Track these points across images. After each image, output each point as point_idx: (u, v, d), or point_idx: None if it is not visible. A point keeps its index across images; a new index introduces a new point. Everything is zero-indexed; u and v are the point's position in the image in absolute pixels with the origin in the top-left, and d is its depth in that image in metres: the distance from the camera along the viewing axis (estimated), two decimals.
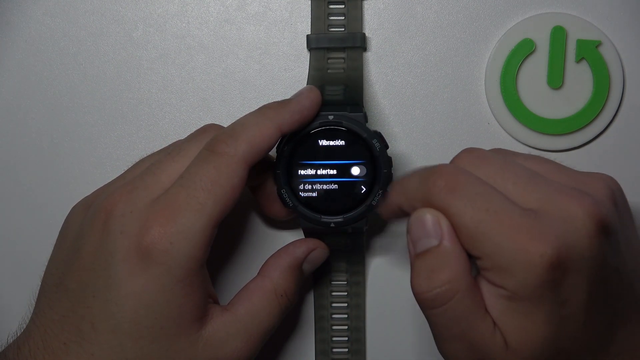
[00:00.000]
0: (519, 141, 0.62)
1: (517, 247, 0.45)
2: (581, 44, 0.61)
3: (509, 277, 0.46)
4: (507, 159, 0.50)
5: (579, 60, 0.61)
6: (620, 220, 0.49)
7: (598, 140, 0.62)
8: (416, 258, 0.48)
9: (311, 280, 0.61)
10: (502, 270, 0.46)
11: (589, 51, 0.61)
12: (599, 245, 0.46)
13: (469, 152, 0.50)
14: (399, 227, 0.62)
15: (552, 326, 0.46)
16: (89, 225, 0.52)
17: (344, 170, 0.56)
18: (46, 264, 0.55)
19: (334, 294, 0.61)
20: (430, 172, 0.48)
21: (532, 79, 0.61)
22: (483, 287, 0.47)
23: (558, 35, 0.61)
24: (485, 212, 0.46)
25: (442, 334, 0.49)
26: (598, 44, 0.61)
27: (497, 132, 0.62)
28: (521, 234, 0.45)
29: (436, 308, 0.47)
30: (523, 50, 0.61)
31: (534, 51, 0.61)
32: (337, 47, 0.59)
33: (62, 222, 0.56)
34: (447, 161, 0.61)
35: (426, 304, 0.48)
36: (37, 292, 0.54)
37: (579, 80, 0.61)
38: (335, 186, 0.57)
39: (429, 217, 0.47)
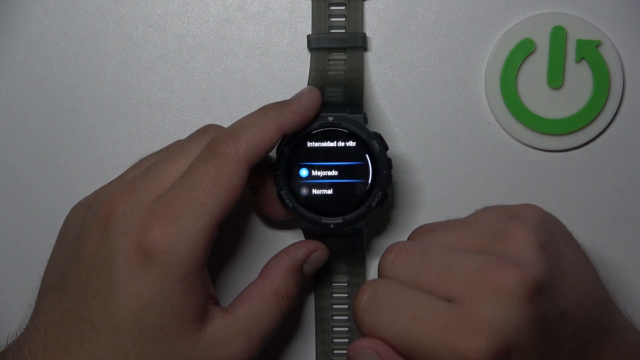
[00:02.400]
0: (519, 141, 0.62)
1: (452, 350, 0.45)
2: (581, 44, 0.61)
3: None
4: (425, 245, 0.50)
5: (579, 60, 0.61)
6: (554, 262, 0.48)
7: (598, 140, 0.62)
8: None
9: (312, 281, 0.61)
10: None
11: (589, 51, 0.61)
12: (535, 309, 0.46)
13: (389, 251, 0.50)
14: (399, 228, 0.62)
15: None
16: (89, 225, 0.52)
17: (344, 172, 0.56)
18: (46, 264, 0.55)
19: (334, 295, 0.61)
20: (356, 294, 0.49)
21: (532, 79, 0.61)
22: None
23: (558, 35, 0.61)
24: (412, 321, 0.46)
25: None
26: (598, 44, 0.61)
27: (497, 132, 0.62)
28: (452, 334, 0.46)
29: None
30: (523, 50, 0.61)
31: (534, 51, 0.61)
32: (338, 47, 0.60)
33: (62, 222, 0.56)
34: (447, 161, 0.61)
35: None
36: (37, 292, 0.54)
37: (579, 80, 0.61)
38: (334, 187, 0.56)
39: (367, 349, 0.48)
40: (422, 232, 0.52)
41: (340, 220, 0.57)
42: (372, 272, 0.62)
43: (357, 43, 0.60)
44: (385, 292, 0.48)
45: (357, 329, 0.49)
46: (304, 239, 0.59)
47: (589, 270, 0.51)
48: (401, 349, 0.47)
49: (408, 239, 0.52)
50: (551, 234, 0.50)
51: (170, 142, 0.58)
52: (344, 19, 0.60)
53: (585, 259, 0.52)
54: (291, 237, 0.62)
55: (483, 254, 0.48)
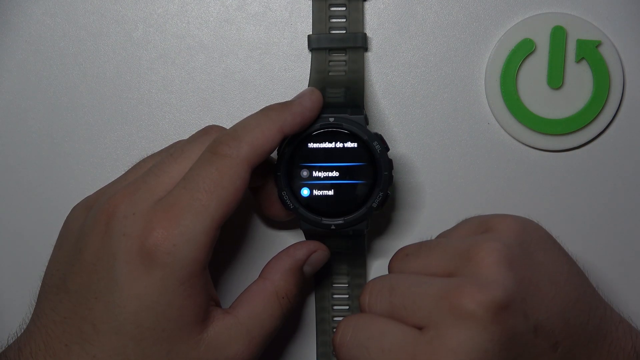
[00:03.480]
0: (519, 141, 0.62)
1: None
2: (581, 44, 0.61)
3: None
4: (394, 279, 0.51)
5: (579, 60, 0.61)
6: (523, 277, 0.49)
7: (598, 140, 0.62)
8: None
9: (312, 282, 0.61)
10: None
11: (589, 51, 0.61)
12: (501, 328, 0.47)
13: (364, 291, 0.52)
14: (400, 230, 0.62)
15: None
16: (90, 226, 0.52)
17: (345, 173, 0.56)
18: (46, 264, 0.55)
19: (335, 296, 0.61)
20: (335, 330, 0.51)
21: (532, 79, 0.61)
22: None
23: (558, 35, 0.61)
24: (381, 354, 0.48)
25: None
26: (598, 44, 0.61)
27: (497, 132, 0.62)
28: None
29: None
30: (523, 50, 0.61)
31: (534, 51, 0.61)
32: (339, 47, 0.59)
33: (62, 222, 0.56)
34: (447, 162, 0.61)
35: None
36: (37, 292, 0.54)
37: (579, 80, 0.61)
38: (335, 188, 0.57)
39: None
40: (398, 259, 0.53)
41: (341, 221, 0.57)
42: (373, 273, 0.62)
43: (357, 43, 0.60)
44: (356, 328, 0.50)
45: None
46: (304, 239, 0.59)
47: (571, 278, 0.51)
48: None
49: (389, 264, 0.54)
50: (525, 246, 0.50)
51: (170, 142, 0.58)
52: (344, 20, 0.60)
53: (568, 267, 0.51)
54: (292, 238, 0.62)
55: (447, 278, 0.49)
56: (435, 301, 0.48)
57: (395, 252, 0.54)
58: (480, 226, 0.52)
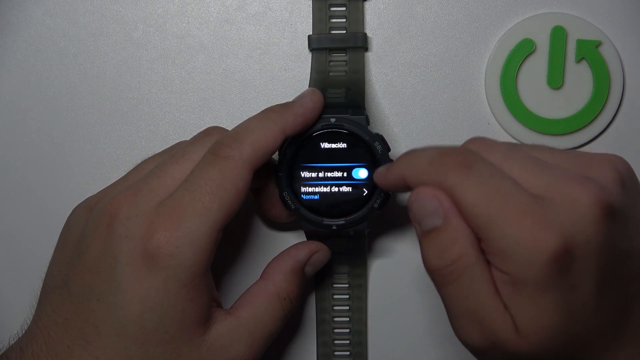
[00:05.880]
0: (519, 141, 0.62)
1: (522, 233, 0.45)
2: (581, 44, 0.61)
3: (513, 264, 0.45)
4: (512, 146, 0.49)
5: (579, 60, 0.61)
6: (630, 203, 0.48)
7: (598, 140, 0.62)
8: (424, 237, 0.48)
9: (313, 283, 0.61)
10: (506, 256, 0.45)
11: (589, 51, 0.61)
12: (606, 231, 0.46)
13: (474, 140, 0.49)
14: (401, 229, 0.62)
15: (561, 313, 0.46)
16: (92, 227, 0.52)
17: (346, 173, 0.56)
18: (47, 264, 0.55)
19: (335, 296, 0.61)
20: (445, 150, 0.48)
21: (532, 79, 0.61)
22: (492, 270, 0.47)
23: (558, 35, 0.61)
24: (496, 193, 0.46)
25: (455, 311, 0.48)
26: (598, 44, 0.61)
27: (497, 132, 0.62)
28: (528, 220, 0.45)
29: (448, 285, 0.47)
30: (523, 50, 0.61)
31: (534, 51, 0.61)
32: (339, 47, 0.59)
33: (63, 223, 0.56)
34: None
35: (439, 281, 0.48)
36: (39, 293, 0.54)
37: (579, 80, 0.61)
38: (337, 189, 0.57)
39: (429, 196, 0.47)
40: (505, 143, 0.50)
41: (343, 222, 0.57)
42: (373, 274, 0.62)
43: (357, 43, 0.60)
44: (479, 161, 0.47)
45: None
46: (305, 240, 0.59)
47: None
48: (472, 217, 0.46)
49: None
50: (633, 184, 0.49)
51: (170, 143, 0.58)
52: (344, 20, 0.60)
53: None
54: (293, 238, 0.62)
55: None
56: (557, 179, 0.46)
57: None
58: (594, 154, 0.50)
